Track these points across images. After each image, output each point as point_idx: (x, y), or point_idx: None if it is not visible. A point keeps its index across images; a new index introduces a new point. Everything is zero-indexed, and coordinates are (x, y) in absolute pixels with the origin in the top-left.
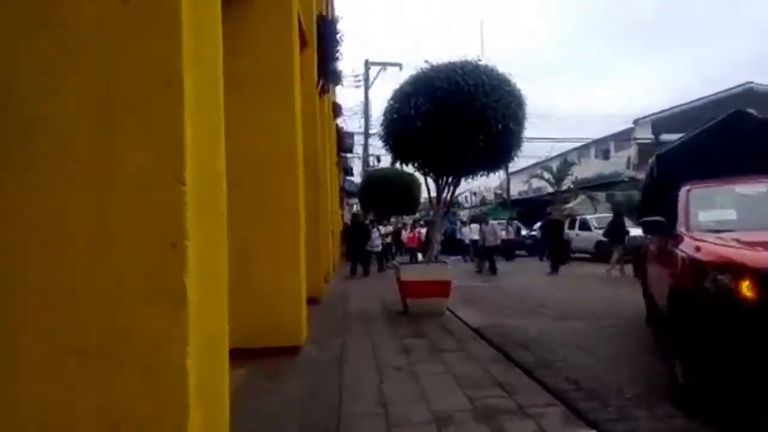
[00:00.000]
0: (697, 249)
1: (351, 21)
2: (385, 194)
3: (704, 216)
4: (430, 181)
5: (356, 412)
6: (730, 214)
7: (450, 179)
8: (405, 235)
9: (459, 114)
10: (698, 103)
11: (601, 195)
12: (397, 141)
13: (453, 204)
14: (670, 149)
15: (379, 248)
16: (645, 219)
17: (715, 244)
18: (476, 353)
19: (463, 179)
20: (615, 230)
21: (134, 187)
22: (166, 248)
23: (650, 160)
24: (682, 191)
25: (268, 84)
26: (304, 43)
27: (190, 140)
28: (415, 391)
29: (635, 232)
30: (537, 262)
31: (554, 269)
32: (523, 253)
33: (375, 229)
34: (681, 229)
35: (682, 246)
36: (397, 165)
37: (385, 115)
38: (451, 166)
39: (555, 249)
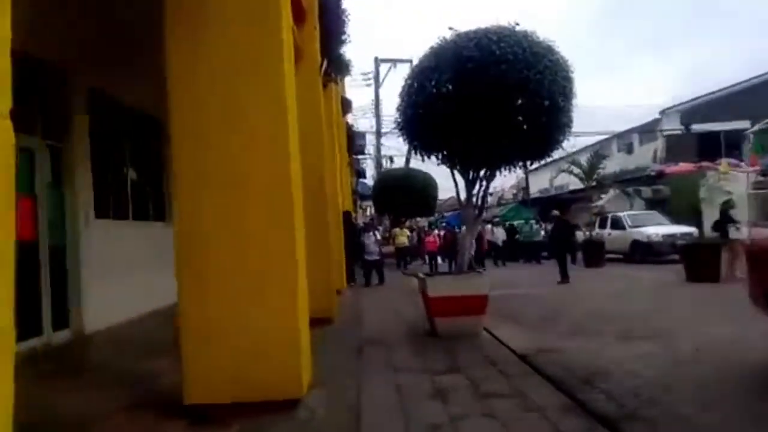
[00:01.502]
0: None
1: (359, 20)
2: (399, 195)
3: None
4: (458, 177)
5: None
6: None
7: (483, 173)
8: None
9: (494, 90)
10: (731, 90)
11: (628, 190)
12: (417, 128)
13: (482, 213)
14: None
15: (377, 256)
16: None
17: None
18: (535, 398)
19: (499, 172)
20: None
21: None
22: None
23: None
24: None
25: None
26: (300, 15)
27: None
28: None
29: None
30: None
31: (564, 277)
32: (545, 254)
33: (370, 234)
34: None
35: None
36: (412, 163)
37: (401, 97)
38: (484, 156)
39: (563, 253)
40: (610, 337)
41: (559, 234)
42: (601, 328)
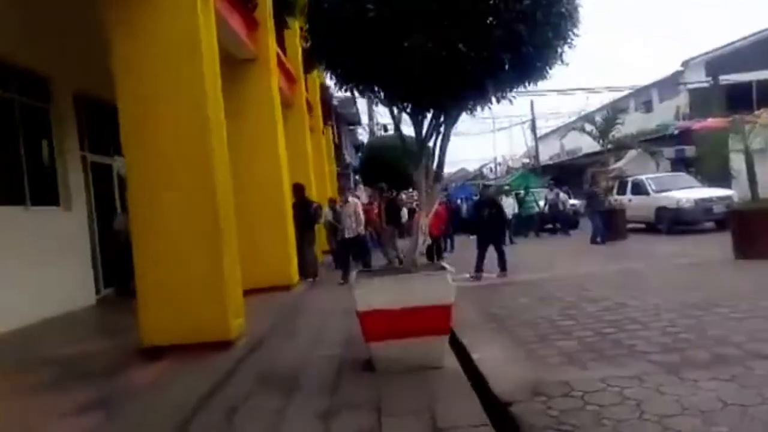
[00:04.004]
0: None
1: None
2: (386, 166)
3: None
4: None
5: None
6: None
7: (439, 116)
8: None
9: None
10: (761, 36)
11: (653, 149)
12: (330, 43)
13: (442, 171)
14: None
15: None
16: None
17: None
18: None
19: (468, 112)
20: None
21: None
22: None
23: None
24: None
25: None
26: None
27: None
28: None
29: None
30: (566, 237)
31: (478, 270)
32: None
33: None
34: None
35: None
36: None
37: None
38: (437, 88)
39: (487, 240)
40: (649, 361)
41: (480, 214)
42: (633, 343)
